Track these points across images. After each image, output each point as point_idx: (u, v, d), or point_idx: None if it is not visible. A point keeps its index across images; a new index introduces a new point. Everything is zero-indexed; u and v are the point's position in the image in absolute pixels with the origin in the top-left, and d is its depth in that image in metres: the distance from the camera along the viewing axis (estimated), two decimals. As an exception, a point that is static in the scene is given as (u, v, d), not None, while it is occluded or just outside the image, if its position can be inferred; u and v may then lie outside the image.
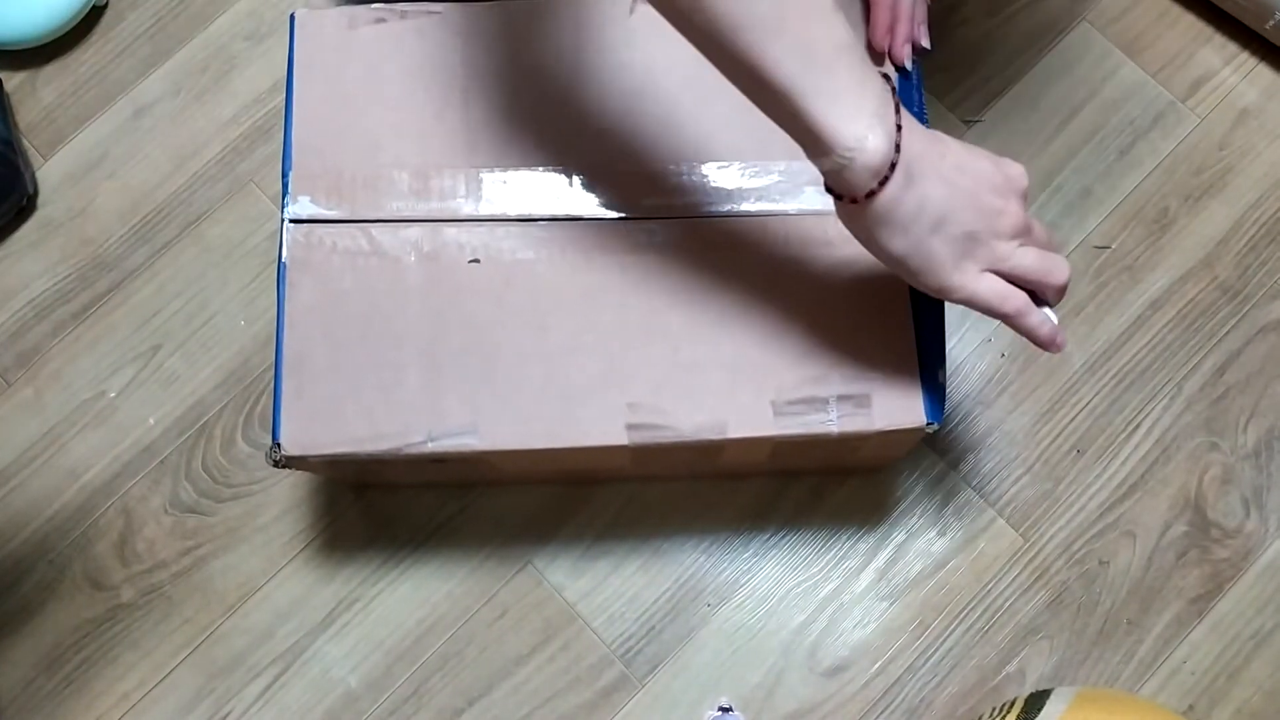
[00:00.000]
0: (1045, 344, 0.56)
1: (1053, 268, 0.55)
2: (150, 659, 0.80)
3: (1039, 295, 0.56)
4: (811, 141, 0.50)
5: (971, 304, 0.54)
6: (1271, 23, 0.86)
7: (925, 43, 0.68)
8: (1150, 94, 0.89)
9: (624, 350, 0.64)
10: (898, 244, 0.52)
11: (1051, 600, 0.79)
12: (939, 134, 0.53)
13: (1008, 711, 0.68)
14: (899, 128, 0.49)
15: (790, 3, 0.47)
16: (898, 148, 0.49)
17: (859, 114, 0.48)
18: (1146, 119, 0.88)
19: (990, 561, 0.80)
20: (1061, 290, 0.56)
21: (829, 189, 0.53)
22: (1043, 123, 0.88)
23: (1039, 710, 0.67)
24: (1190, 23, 0.90)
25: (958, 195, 0.51)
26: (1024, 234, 0.54)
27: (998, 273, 0.54)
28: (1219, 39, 0.90)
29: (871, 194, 0.50)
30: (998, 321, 0.56)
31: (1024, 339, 0.82)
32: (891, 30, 0.67)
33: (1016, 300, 0.54)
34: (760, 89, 0.49)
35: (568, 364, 0.64)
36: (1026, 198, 0.55)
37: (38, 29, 0.90)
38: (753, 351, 0.64)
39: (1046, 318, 0.56)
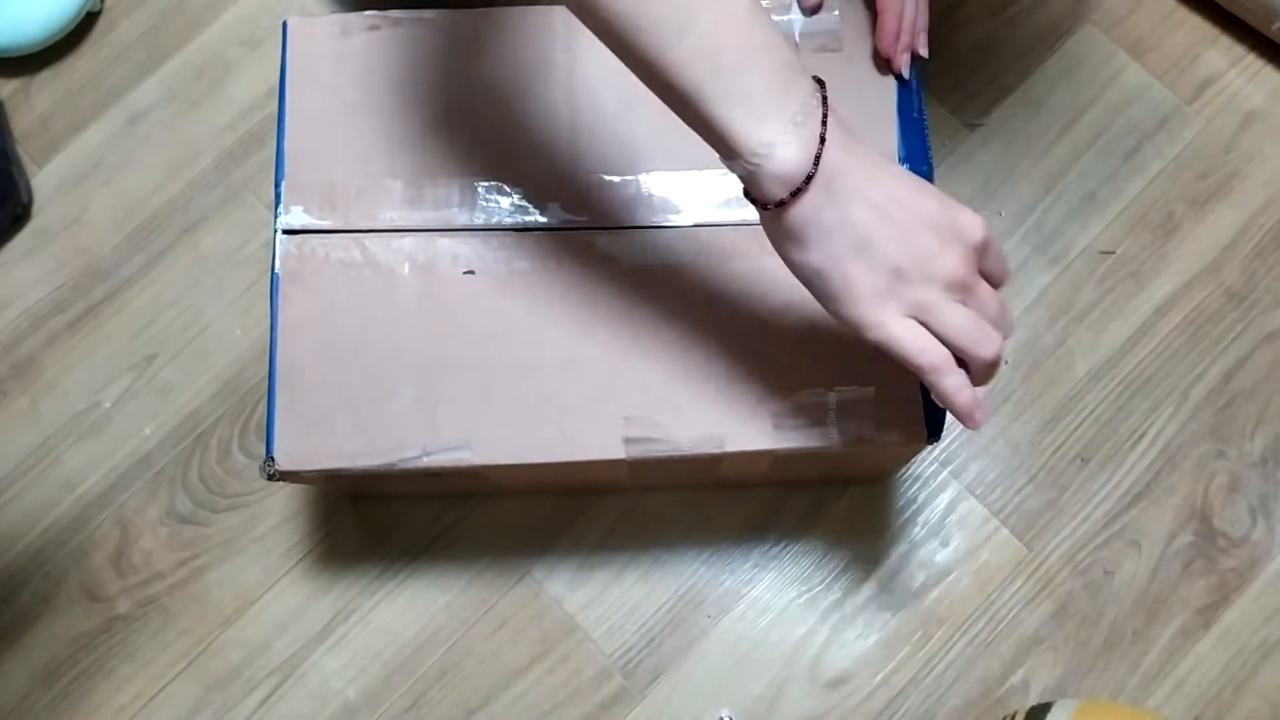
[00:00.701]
0: (961, 414, 0.50)
1: (983, 339, 0.49)
2: (147, 671, 0.80)
3: (967, 368, 0.50)
4: (719, 144, 0.48)
5: (887, 348, 0.49)
6: (1278, 25, 0.85)
7: (923, 51, 0.67)
8: (1155, 97, 0.88)
9: (620, 362, 0.63)
10: (812, 258, 0.49)
11: (1056, 611, 0.78)
12: (889, 164, 0.49)
13: (1010, 727, 0.68)
14: (822, 139, 0.47)
15: (699, 6, 0.46)
16: (817, 159, 0.47)
17: (770, 119, 0.46)
18: (1151, 122, 0.87)
19: (994, 572, 0.79)
20: (988, 368, 0.50)
21: (746, 194, 0.50)
22: (1046, 126, 0.87)
23: (1042, 726, 0.66)
24: (1196, 24, 0.89)
25: (886, 225, 0.48)
26: (961, 290, 0.49)
27: (921, 323, 0.49)
28: (1225, 41, 0.89)
29: (782, 204, 0.48)
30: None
31: (1025, 350, 0.83)
32: (895, 37, 0.66)
33: (935, 355, 0.48)
34: (665, 91, 0.48)
35: (563, 377, 0.63)
36: (979, 253, 0.49)
37: (32, 36, 0.89)
38: (751, 363, 0.63)
39: (966, 383, 0.50)
